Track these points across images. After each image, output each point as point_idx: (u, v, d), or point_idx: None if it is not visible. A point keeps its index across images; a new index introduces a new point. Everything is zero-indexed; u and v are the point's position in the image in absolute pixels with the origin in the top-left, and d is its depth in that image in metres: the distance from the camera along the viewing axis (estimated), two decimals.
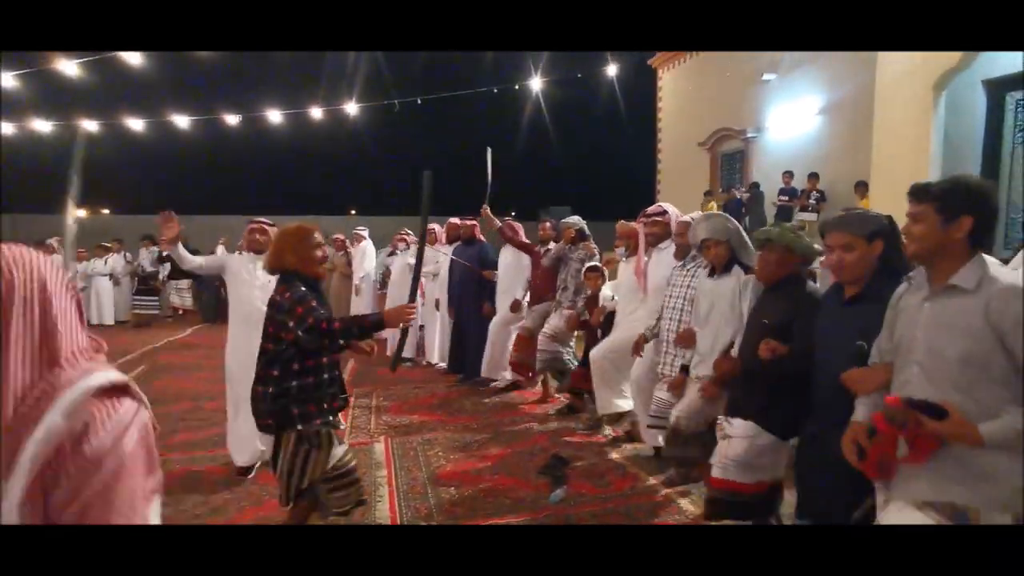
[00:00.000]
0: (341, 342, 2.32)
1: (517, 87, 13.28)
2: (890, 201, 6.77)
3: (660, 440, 3.54)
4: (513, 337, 5.38)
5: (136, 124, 12.99)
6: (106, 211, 20.85)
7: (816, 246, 2.43)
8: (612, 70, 12.33)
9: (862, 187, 8.01)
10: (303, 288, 2.32)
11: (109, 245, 11.00)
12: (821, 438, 2.00)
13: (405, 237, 7.27)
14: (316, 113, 13.54)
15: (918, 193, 1.59)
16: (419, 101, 13.51)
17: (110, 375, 0.88)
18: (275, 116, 13.45)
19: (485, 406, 5.08)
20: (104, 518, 0.85)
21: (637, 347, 3.61)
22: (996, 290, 1.44)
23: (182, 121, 13.28)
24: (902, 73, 6.74)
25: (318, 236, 2.45)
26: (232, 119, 13.37)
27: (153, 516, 0.94)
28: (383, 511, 3.14)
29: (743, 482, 2.45)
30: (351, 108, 13.36)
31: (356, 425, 4.55)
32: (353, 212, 23.56)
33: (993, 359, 1.44)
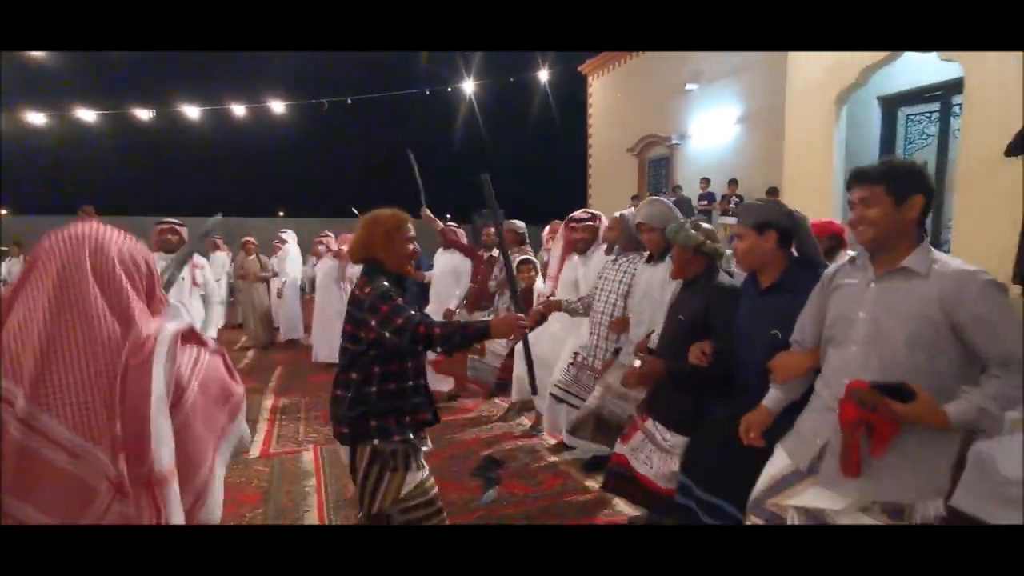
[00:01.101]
0: (439, 350, 2.07)
1: (450, 89, 13.27)
2: (800, 205, 7.22)
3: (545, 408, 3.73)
4: None
5: (38, 119, 12.01)
6: (3, 211, 19.11)
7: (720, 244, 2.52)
8: (544, 75, 12.56)
9: (774, 193, 8.53)
10: (386, 283, 2.05)
11: (6, 248, 10.12)
12: (734, 422, 2.08)
13: (324, 239, 7.06)
14: (239, 110, 12.99)
15: (864, 177, 1.56)
16: (349, 101, 13.23)
17: (179, 324, 1.12)
18: (193, 112, 12.78)
19: None
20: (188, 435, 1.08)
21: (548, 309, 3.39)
22: (948, 275, 1.45)
23: (88, 116, 12.38)
24: (808, 88, 7.24)
25: (412, 228, 2.20)
26: (144, 114, 12.60)
27: (229, 442, 1.18)
28: (311, 521, 3.06)
29: (670, 488, 2.41)
30: (277, 106, 12.91)
31: (283, 434, 4.40)
32: (281, 214, 22.73)
33: (941, 343, 1.45)
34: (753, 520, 1.77)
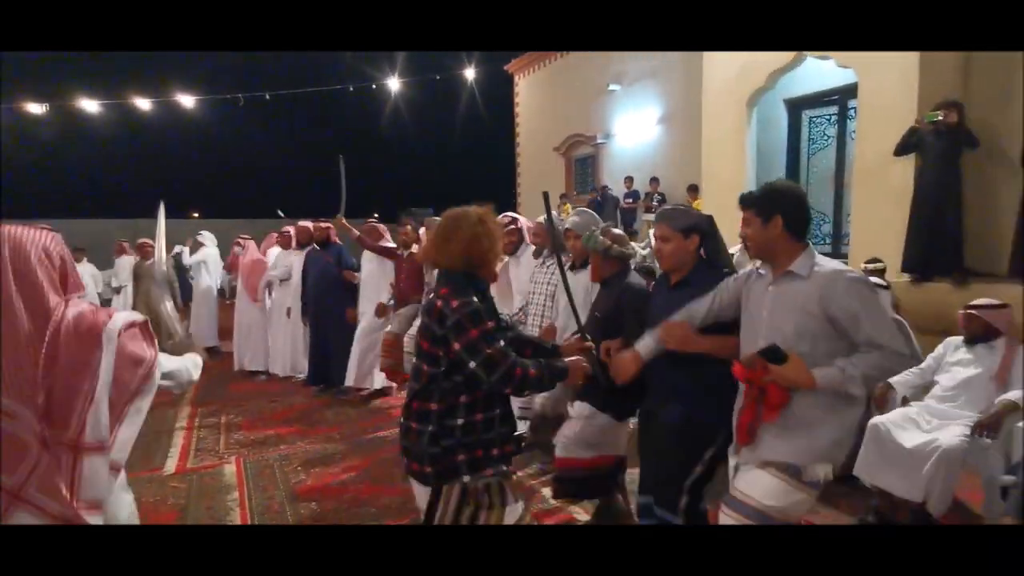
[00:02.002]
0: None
1: (374, 86, 12.98)
2: (717, 202, 7.62)
3: (522, 428, 3.67)
4: (379, 343, 5.25)
5: None
6: None
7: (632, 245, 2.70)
8: (470, 74, 12.53)
9: (693, 190, 8.94)
10: (476, 299, 1.76)
11: None
12: (654, 414, 2.19)
13: (243, 242, 6.74)
14: (144, 104, 12.14)
15: (743, 202, 1.89)
16: (267, 97, 12.67)
17: (126, 316, 1.39)
18: (92, 107, 11.82)
19: (349, 415, 4.89)
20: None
21: None
22: (824, 276, 1.72)
23: None
24: (722, 90, 7.61)
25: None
26: (37, 108, 11.53)
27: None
28: None
29: (581, 458, 2.62)
30: (186, 101, 12.16)
31: (203, 447, 4.15)
32: (196, 215, 21.45)
33: (821, 333, 1.71)
34: (726, 512, 1.85)
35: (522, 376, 1.74)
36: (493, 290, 3.85)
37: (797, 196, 1.83)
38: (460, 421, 1.76)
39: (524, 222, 3.91)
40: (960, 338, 3.05)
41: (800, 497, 1.75)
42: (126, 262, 9.64)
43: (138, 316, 1.44)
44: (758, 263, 1.94)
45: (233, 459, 3.90)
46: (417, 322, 4.81)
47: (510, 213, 3.98)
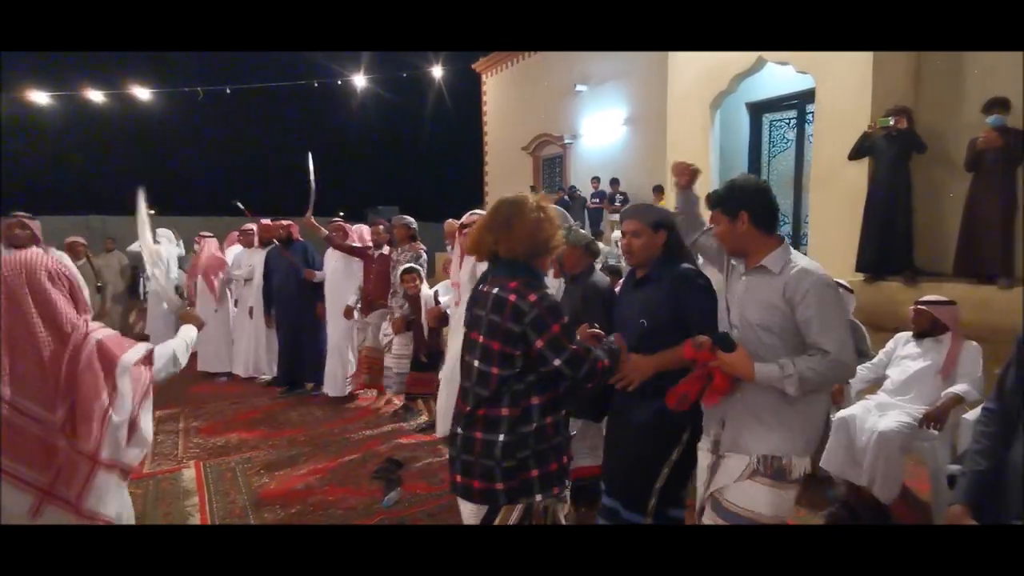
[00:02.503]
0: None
1: (340, 82, 12.77)
2: None
3: None
4: (352, 350, 5.19)
5: None
6: None
7: (600, 245, 2.76)
8: (437, 72, 12.45)
9: (659, 190, 9.07)
10: (550, 292, 1.65)
11: None
12: (621, 415, 2.22)
13: (204, 239, 6.53)
14: (96, 97, 11.67)
15: (710, 201, 1.88)
16: (228, 90, 12.32)
17: (140, 350, 1.60)
18: (42, 98, 11.32)
19: (315, 417, 4.81)
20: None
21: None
22: (792, 272, 1.74)
23: None
24: (686, 93, 7.76)
25: None
26: None
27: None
28: None
29: (591, 465, 2.70)
30: (141, 93, 11.73)
31: (160, 451, 4.01)
32: (152, 212, 20.74)
33: (787, 327, 1.74)
34: (715, 520, 1.87)
35: (602, 369, 1.65)
36: (449, 286, 3.84)
37: (760, 190, 1.84)
38: (533, 426, 1.62)
39: None
40: (910, 333, 3.19)
41: (789, 496, 1.79)
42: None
43: (149, 347, 1.64)
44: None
45: (192, 463, 3.80)
46: (397, 340, 4.70)
47: (478, 211, 3.95)
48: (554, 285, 3.12)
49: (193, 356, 6.28)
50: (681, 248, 2.21)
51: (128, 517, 1.66)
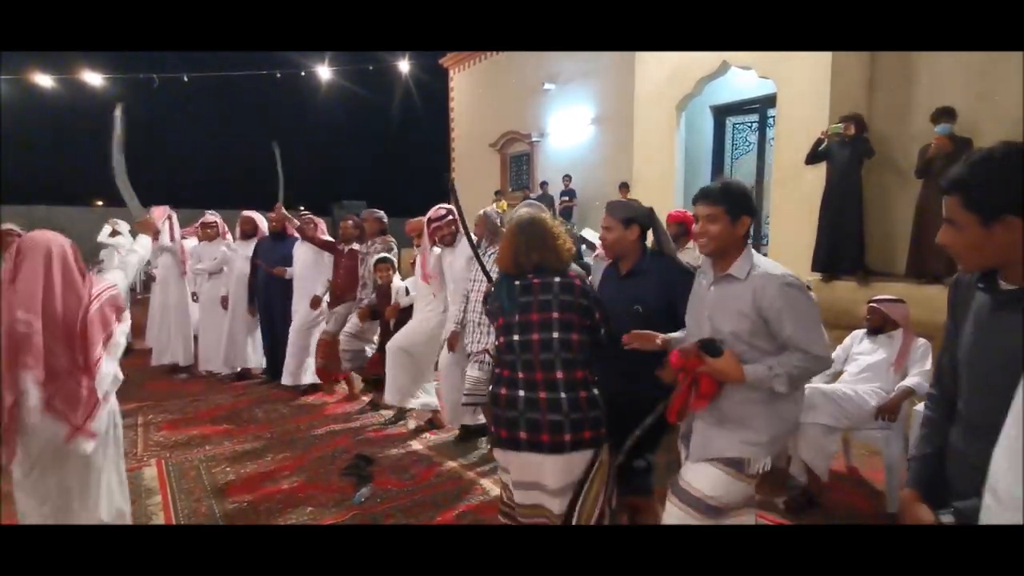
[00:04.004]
0: None
1: (303, 73, 12.51)
2: (647, 201, 7.87)
3: (470, 416, 3.87)
4: (315, 342, 5.11)
5: None
6: None
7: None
8: (404, 66, 12.32)
9: (624, 187, 9.23)
10: None
11: None
12: (609, 398, 2.27)
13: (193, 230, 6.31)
14: (44, 81, 11.15)
15: (711, 196, 1.83)
16: (185, 79, 11.93)
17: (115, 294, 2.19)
18: None
19: (281, 413, 4.72)
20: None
21: (452, 344, 3.82)
22: (758, 278, 1.76)
23: None
24: (653, 94, 7.90)
25: None
26: None
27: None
28: None
29: None
30: (93, 79, 11.24)
31: None
32: (100, 203, 19.82)
33: (758, 333, 1.77)
34: (672, 502, 1.91)
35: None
36: (459, 268, 3.90)
37: (752, 201, 1.87)
38: (595, 391, 2.03)
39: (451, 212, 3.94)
40: (864, 331, 3.34)
41: (741, 487, 1.84)
42: None
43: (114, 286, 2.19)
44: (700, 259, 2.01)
45: (153, 461, 3.69)
46: (352, 317, 4.73)
47: (444, 205, 3.97)
48: None
49: (147, 352, 6.09)
50: (665, 243, 2.31)
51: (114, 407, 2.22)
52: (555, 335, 1.98)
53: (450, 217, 3.86)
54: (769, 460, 1.86)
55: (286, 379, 5.15)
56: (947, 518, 1.26)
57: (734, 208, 1.80)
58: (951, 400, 1.35)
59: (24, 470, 1.96)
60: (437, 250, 4.02)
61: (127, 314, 2.23)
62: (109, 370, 2.09)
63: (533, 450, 1.94)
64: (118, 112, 2.66)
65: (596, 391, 2.01)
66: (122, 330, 2.17)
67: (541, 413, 1.93)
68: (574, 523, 1.96)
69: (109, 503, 2.19)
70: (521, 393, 1.97)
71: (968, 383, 1.28)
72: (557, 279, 2.06)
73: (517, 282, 2.09)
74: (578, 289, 2.05)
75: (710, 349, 1.77)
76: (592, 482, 1.98)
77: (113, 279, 2.20)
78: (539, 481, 1.98)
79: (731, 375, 1.74)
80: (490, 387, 2.16)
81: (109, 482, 2.19)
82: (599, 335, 2.08)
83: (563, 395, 1.94)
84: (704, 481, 1.83)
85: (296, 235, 5.25)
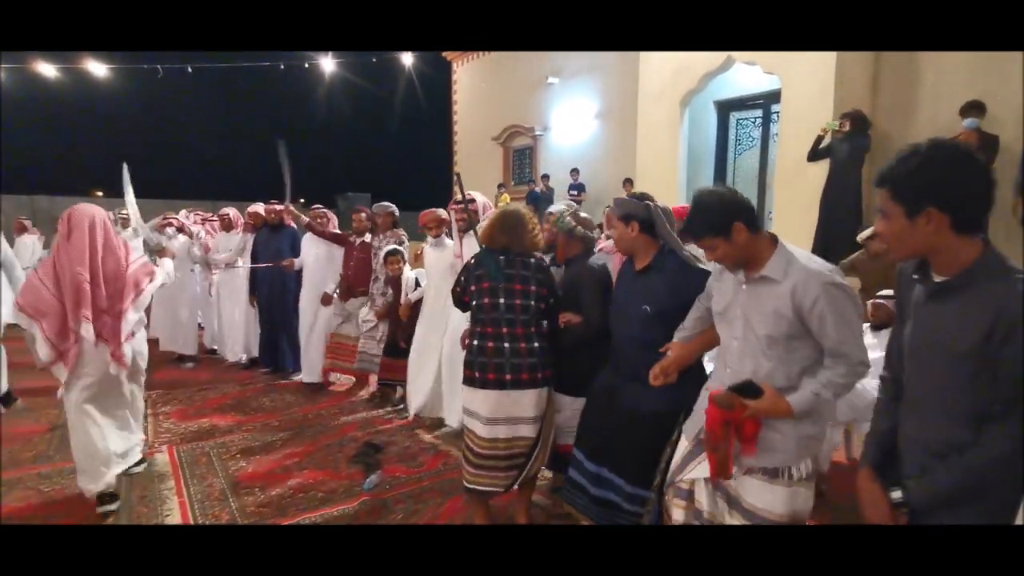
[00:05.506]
0: None
1: (307, 65, 12.49)
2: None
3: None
4: (327, 338, 5.14)
5: None
6: None
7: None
8: (408, 59, 12.29)
9: (628, 183, 9.25)
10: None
11: None
12: (618, 390, 2.32)
13: (171, 221, 6.27)
14: (48, 71, 11.13)
15: (697, 232, 1.75)
16: (189, 69, 11.91)
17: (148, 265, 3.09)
18: None
19: (288, 402, 4.78)
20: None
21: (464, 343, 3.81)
22: (799, 276, 1.62)
23: None
24: (657, 90, 7.92)
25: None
26: None
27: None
28: (175, 523, 2.81)
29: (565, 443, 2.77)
30: (97, 69, 11.22)
31: None
32: (100, 194, 19.79)
33: (796, 335, 1.65)
34: (670, 498, 1.93)
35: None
36: (436, 269, 3.88)
37: (737, 198, 1.75)
38: (546, 341, 2.63)
39: (482, 202, 3.90)
40: (868, 325, 3.39)
41: (803, 494, 1.74)
42: (28, 241, 8.90)
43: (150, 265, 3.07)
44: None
45: (165, 448, 3.75)
46: (364, 315, 4.78)
47: (471, 192, 3.94)
48: (558, 274, 3.23)
49: (154, 341, 6.15)
50: (669, 239, 2.27)
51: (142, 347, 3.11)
52: (532, 302, 2.55)
53: (471, 205, 3.84)
54: (810, 460, 1.74)
55: (307, 376, 5.18)
56: (897, 494, 1.35)
57: (721, 228, 1.69)
58: (899, 382, 1.44)
59: (85, 384, 2.81)
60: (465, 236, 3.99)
61: (157, 271, 3.08)
62: (132, 317, 2.90)
63: (516, 387, 2.50)
64: (126, 172, 3.87)
65: (547, 343, 2.60)
66: (151, 288, 2.98)
67: (522, 358, 2.51)
68: (540, 442, 2.59)
69: (133, 408, 3.23)
70: (506, 345, 2.52)
71: (908, 367, 1.39)
72: (533, 260, 2.61)
73: (502, 257, 2.57)
74: (548, 271, 2.64)
75: (749, 391, 1.64)
76: (547, 411, 2.60)
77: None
78: (518, 414, 2.52)
79: (779, 413, 1.63)
80: (474, 342, 2.46)
81: (132, 391, 3.18)
82: (551, 303, 2.63)
83: (536, 345, 2.55)
84: (768, 501, 1.73)
85: (293, 226, 5.28)
